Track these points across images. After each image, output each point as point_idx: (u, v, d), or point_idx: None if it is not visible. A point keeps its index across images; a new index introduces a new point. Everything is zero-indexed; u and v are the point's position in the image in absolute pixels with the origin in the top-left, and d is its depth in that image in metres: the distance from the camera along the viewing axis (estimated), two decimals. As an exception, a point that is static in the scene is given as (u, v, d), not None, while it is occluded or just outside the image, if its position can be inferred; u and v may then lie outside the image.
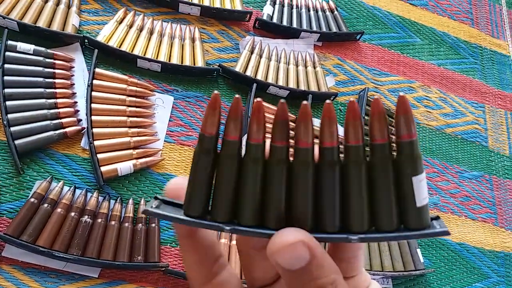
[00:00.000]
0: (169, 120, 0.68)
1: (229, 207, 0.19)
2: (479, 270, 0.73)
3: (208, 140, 0.18)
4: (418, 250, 0.68)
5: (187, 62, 0.70)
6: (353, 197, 0.18)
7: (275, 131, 0.18)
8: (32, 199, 0.55)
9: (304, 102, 0.17)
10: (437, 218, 0.19)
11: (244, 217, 0.19)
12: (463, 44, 0.95)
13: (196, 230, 0.20)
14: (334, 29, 0.83)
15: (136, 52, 0.68)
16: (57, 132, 0.60)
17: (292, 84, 0.74)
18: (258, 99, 0.17)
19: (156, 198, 0.19)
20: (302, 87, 0.74)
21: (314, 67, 0.78)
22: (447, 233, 0.18)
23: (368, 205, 0.18)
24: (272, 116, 0.20)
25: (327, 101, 0.18)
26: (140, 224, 0.58)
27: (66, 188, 0.58)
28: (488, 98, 0.91)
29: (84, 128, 0.62)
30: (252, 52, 0.75)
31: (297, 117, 0.18)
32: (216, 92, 0.18)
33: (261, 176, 0.19)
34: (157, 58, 0.69)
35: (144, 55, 0.68)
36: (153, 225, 0.59)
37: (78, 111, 0.63)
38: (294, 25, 0.81)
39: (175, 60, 0.70)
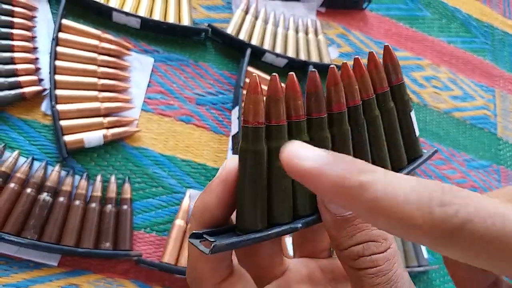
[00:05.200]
0: (148, 86, 0.61)
1: (291, 202, 0.19)
2: (483, 267, 0.69)
3: (255, 131, 0.17)
4: (422, 245, 0.62)
5: (171, 19, 0.63)
6: (377, 147, 0.20)
7: (310, 102, 0.19)
8: (-22, 171, 0.50)
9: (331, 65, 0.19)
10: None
11: (302, 206, 0.19)
12: (474, 22, 0.91)
13: None
14: (339, -6, 0.75)
15: (112, 3, 0.61)
16: (13, 92, 0.53)
17: (291, 53, 0.68)
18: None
19: (196, 234, 0.18)
20: (302, 56, 0.68)
21: (316, 35, 0.71)
22: (436, 151, 0.23)
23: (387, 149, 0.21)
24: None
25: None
26: (110, 205, 0.53)
27: (22, 159, 0.53)
28: (498, 82, 0.88)
29: (46, 89, 0.56)
30: (246, 13, 0.68)
31: (327, 84, 0.19)
32: (254, 74, 0.17)
33: None
34: (136, 12, 0.62)
35: (122, 7, 0.62)
36: (125, 207, 0.54)
37: (40, 68, 0.56)
38: (296, -14, 0.73)
39: (157, 16, 0.63)
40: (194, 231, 0.18)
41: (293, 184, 0.18)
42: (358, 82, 0.19)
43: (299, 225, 0.18)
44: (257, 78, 0.17)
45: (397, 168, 0.21)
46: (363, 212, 0.14)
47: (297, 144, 0.15)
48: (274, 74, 0.17)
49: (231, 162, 0.18)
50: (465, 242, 0.13)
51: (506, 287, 0.21)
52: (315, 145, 0.16)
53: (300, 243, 0.23)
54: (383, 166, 0.20)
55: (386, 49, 0.21)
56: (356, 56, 0.20)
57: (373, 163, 0.20)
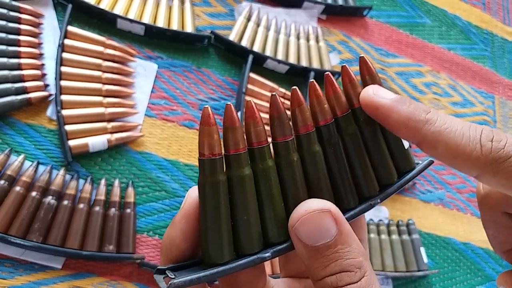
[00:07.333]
0: (151, 91, 0.62)
1: (259, 230, 0.18)
2: (483, 272, 0.70)
3: (211, 163, 0.17)
4: (422, 249, 0.63)
5: (175, 26, 0.64)
6: (359, 164, 0.19)
7: (274, 127, 0.18)
8: (-15, 175, 0.49)
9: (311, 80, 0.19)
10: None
11: (273, 233, 0.18)
12: (474, 29, 0.91)
13: None
14: (340, 1, 0.76)
15: (117, 11, 0.61)
16: (19, 97, 0.53)
17: (292, 59, 0.68)
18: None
19: (160, 270, 0.17)
20: (304, 63, 0.68)
21: (317, 42, 0.71)
22: (432, 161, 0.21)
23: (371, 169, 0.20)
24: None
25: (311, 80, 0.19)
26: (113, 209, 0.53)
27: (27, 163, 0.53)
28: (498, 88, 0.88)
29: (52, 94, 0.56)
30: (249, 20, 0.68)
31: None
32: (206, 106, 0.17)
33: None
34: (140, 19, 0.62)
35: (126, 15, 0.61)
36: (128, 210, 0.54)
37: (46, 74, 0.57)
38: (297, -7, 0.73)
39: (161, 23, 0.63)
40: (158, 267, 0.17)
41: (262, 211, 0.18)
42: (331, 100, 0.19)
43: (268, 254, 0.17)
44: (209, 109, 0.17)
45: (386, 183, 0.20)
46: (425, 141, 0.17)
47: (376, 86, 0.19)
48: (228, 103, 0.17)
49: (192, 193, 0.18)
50: (509, 172, 0.16)
51: None
52: (284, 169, 0.18)
53: (285, 263, 0.23)
54: (368, 181, 0.19)
55: (362, 60, 0.20)
56: (327, 73, 0.19)
57: (355, 178, 0.19)
